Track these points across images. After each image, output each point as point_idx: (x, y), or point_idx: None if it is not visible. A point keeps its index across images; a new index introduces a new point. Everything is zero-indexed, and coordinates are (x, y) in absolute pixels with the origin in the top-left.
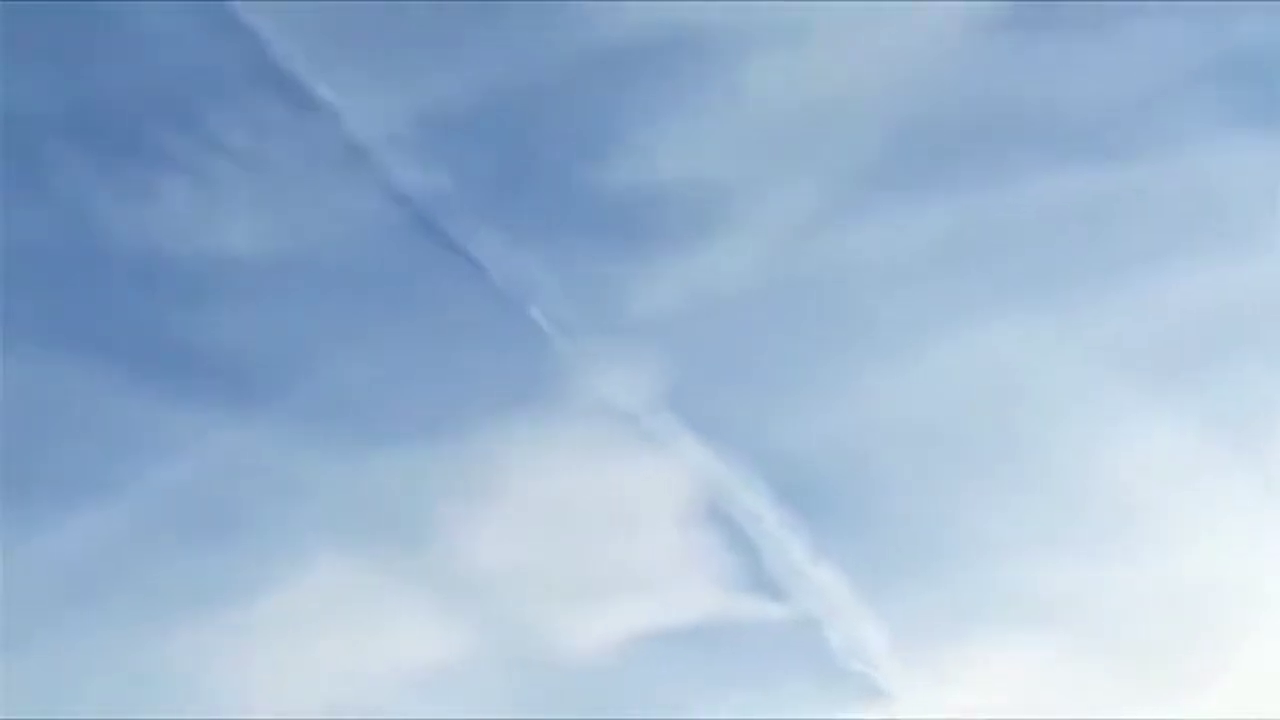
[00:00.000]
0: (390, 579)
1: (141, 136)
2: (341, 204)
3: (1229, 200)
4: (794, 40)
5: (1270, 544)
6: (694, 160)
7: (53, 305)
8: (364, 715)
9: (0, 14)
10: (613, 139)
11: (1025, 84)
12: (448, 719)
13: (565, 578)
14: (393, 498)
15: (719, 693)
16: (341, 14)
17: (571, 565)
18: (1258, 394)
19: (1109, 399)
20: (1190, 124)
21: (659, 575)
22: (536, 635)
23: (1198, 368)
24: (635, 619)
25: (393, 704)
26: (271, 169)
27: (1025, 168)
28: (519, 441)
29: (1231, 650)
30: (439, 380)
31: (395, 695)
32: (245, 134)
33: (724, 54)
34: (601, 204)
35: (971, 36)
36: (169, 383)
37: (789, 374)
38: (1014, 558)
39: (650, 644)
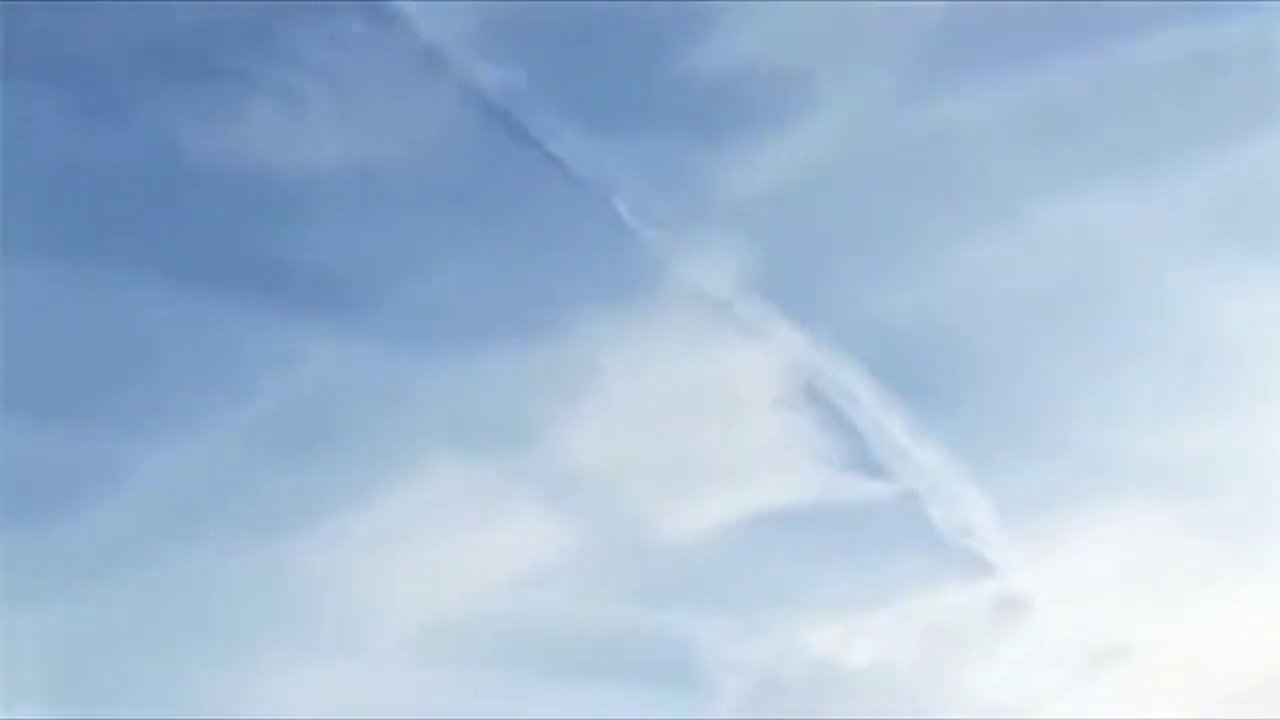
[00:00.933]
0: (496, 479)
1: (220, 60)
2: (422, 110)
3: None
4: None
5: None
6: (774, 43)
7: (149, 233)
8: (477, 614)
9: None
10: (689, 27)
11: None
12: (559, 612)
13: (667, 468)
14: (493, 400)
15: (824, 573)
16: None
17: (672, 455)
18: None
19: (1212, 263)
20: None
21: (759, 460)
22: (642, 526)
23: None
24: (738, 505)
25: (505, 602)
26: (351, 81)
27: (1116, 30)
28: (613, 336)
29: None
30: (530, 280)
31: (507, 593)
32: (323, 49)
33: None
34: (680, 93)
35: None
36: (265, 301)
37: (880, 251)
38: (1119, 427)
39: (754, 528)
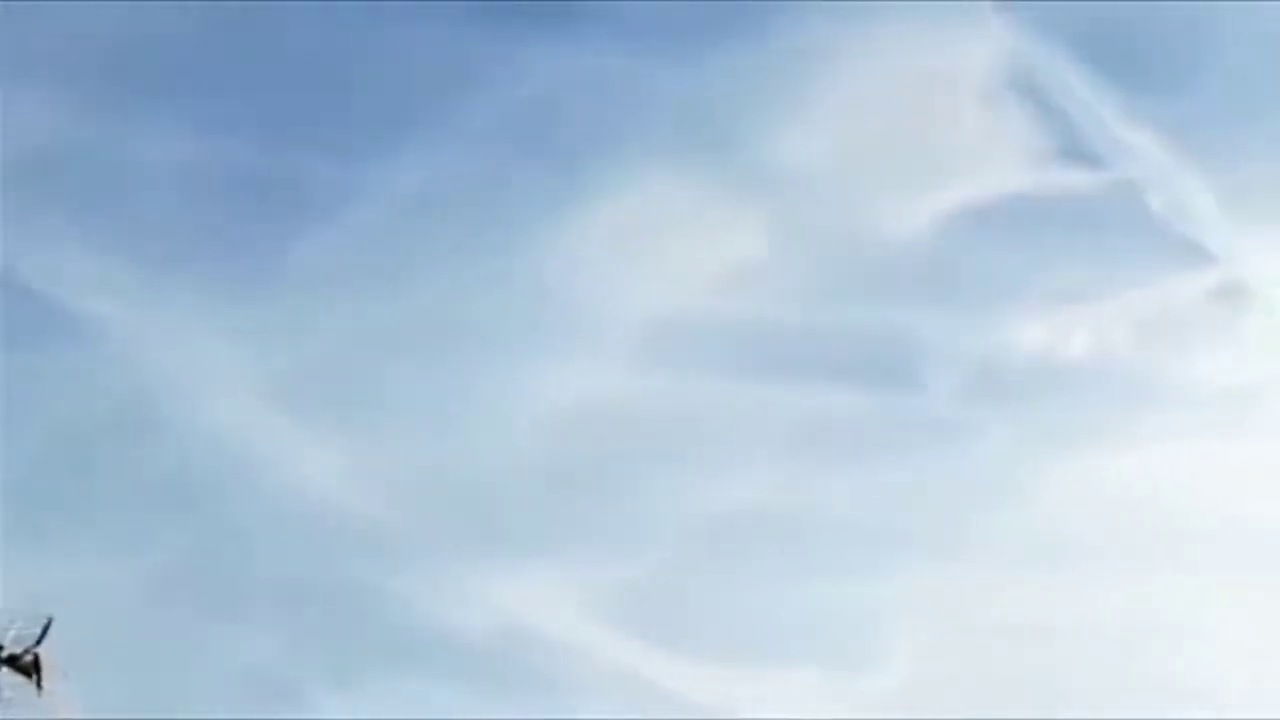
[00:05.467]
0: (707, 184)
1: None
2: None
3: None
4: None
5: None
6: None
7: None
8: (697, 311)
9: None
10: None
11: None
12: (775, 311)
13: (873, 167)
14: (709, 104)
15: (1039, 267)
16: None
17: (881, 153)
18: None
19: None
20: None
21: (967, 156)
22: (847, 225)
23: None
24: (948, 201)
25: (723, 300)
26: None
27: None
28: (819, 39)
29: None
30: None
31: (726, 292)
32: None
33: None
34: None
35: None
36: (496, 13)
37: None
38: None
39: (965, 224)
